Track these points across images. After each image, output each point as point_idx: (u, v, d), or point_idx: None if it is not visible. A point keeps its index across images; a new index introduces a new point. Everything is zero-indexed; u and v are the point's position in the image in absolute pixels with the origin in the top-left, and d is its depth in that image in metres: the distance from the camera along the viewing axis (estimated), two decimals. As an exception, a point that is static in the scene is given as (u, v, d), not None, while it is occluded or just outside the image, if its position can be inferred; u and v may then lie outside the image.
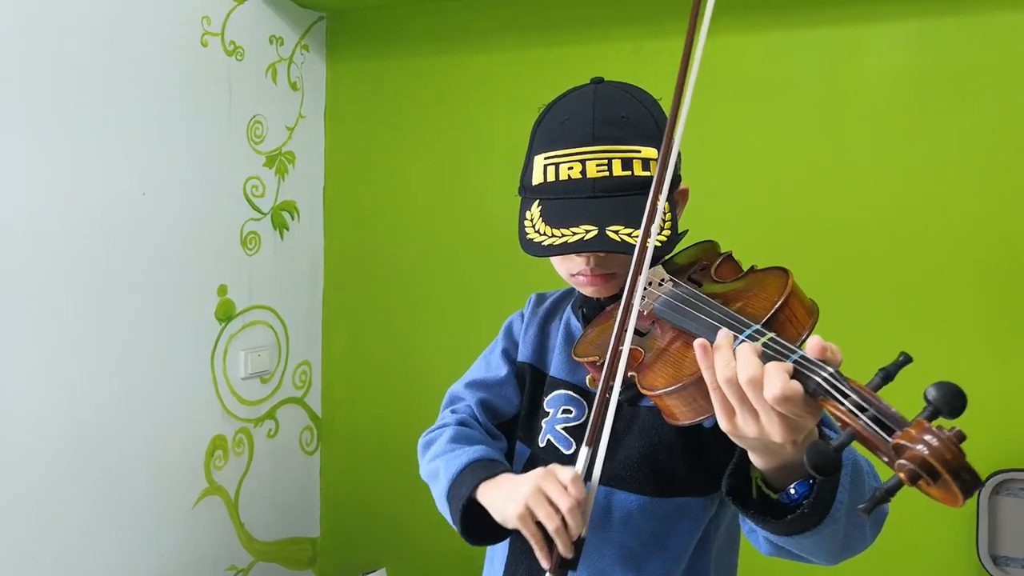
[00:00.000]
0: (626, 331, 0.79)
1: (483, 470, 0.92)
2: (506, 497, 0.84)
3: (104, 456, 1.81)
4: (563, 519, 0.77)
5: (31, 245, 1.64)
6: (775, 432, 0.64)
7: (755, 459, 0.72)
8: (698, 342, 0.69)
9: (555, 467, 0.81)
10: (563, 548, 0.77)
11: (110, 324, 1.80)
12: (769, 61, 1.83)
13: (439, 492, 0.97)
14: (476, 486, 0.89)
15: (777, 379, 0.61)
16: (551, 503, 0.78)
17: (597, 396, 0.81)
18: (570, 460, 0.96)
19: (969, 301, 1.68)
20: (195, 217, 2.00)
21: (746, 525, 0.84)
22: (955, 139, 1.68)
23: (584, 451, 0.80)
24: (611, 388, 0.79)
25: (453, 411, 1.08)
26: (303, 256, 2.37)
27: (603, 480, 0.94)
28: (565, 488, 0.78)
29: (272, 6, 2.19)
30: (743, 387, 0.64)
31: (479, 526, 0.90)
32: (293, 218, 2.32)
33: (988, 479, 1.63)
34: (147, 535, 1.92)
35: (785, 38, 1.82)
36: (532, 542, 0.80)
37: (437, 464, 0.99)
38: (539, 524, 0.79)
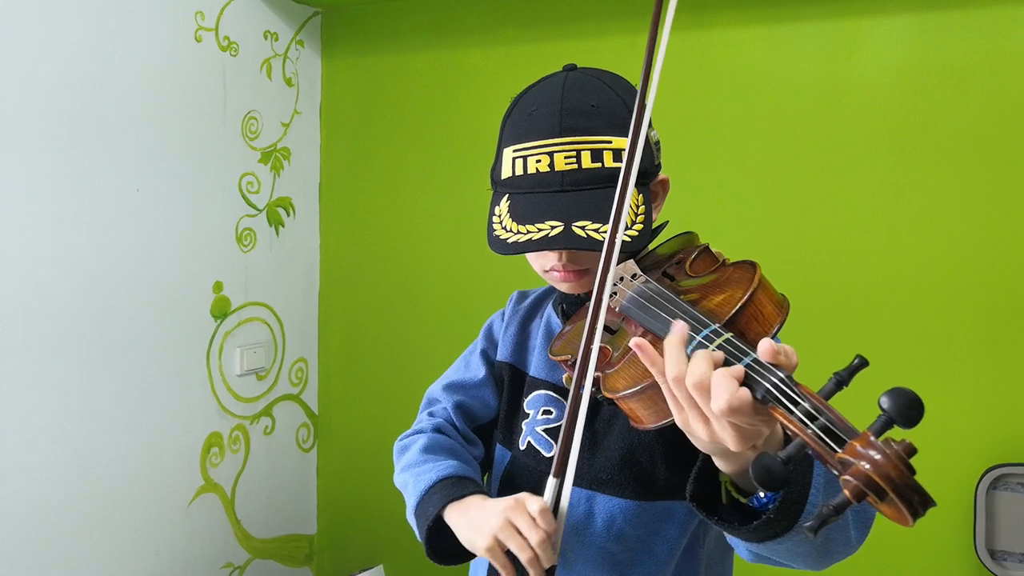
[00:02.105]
0: (592, 343, 0.77)
1: (452, 489, 0.90)
2: (473, 526, 0.83)
3: (99, 454, 1.80)
4: (535, 551, 0.77)
5: (24, 242, 1.63)
6: (728, 439, 0.61)
7: (719, 463, 0.70)
8: (633, 341, 0.66)
9: (524, 497, 0.80)
10: None
11: (104, 321, 1.79)
12: (767, 55, 1.82)
13: (409, 505, 0.96)
14: (443, 507, 0.89)
15: (724, 391, 0.58)
16: (521, 535, 0.78)
17: (565, 418, 0.79)
18: (550, 462, 0.94)
19: (966, 295, 1.68)
20: (189, 213, 1.99)
21: None
22: (953, 133, 1.68)
23: (552, 482, 0.79)
24: (578, 412, 0.78)
25: (431, 414, 1.06)
26: (299, 252, 2.36)
27: (584, 483, 0.92)
28: (535, 520, 0.77)
29: (267, 1, 2.18)
30: (690, 391, 0.61)
31: (445, 544, 0.89)
32: (289, 214, 2.31)
33: (985, 474, 1.63)
34: (143, 533, 1.91)
35: (783, 32, 1.81)
36: (502, 573, 0.80)
37: (407, 477, 0.98)
38: (509, 553, 0.79)
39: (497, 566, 0.80)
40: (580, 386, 0.77)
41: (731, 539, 0.79)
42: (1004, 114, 1.64)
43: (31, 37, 1.62)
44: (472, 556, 0.90)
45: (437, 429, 1.03)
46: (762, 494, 0.70)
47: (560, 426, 0.94)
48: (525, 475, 0.97)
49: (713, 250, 0.90)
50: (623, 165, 0.80)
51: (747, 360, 0.61)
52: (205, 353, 2.06)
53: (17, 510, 1.64)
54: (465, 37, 2.17)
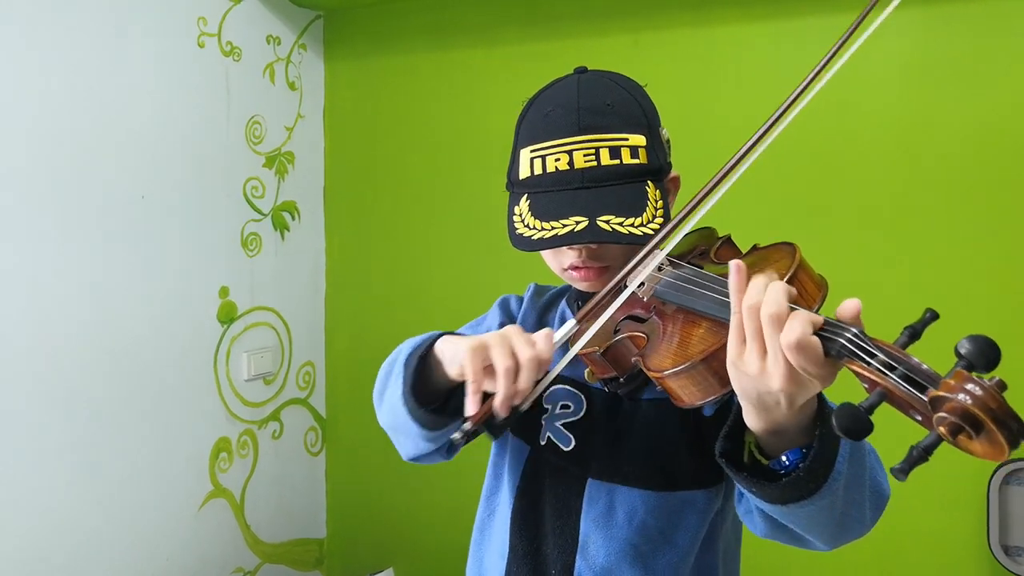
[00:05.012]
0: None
1: (448, 334, 0.88)
2: (465, 339, 0.79)
3: (108, 460, 1.80)
4: (518, 364, 0.73)
5: (30, 249, 1.64)
6: (776, 375, 0.62)
7: (748, 416, 0.70)
8: (733, 262, 0.67)
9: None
10: (502, 399, 0.72)
11: (111, 328, 1.80)
12: (770, 51, 1.82)
13: (397, 373, 0.87)
14: (437, 339, 0.85)
15: (799, 326, 0.60)
16: (510, 347, 0.74)
17: (611, 285, 0.78)
18: (569, 457, 0.95)
19: (975, 287, 1.67)
20: (195, 219, 1.99)
21: (742, 506, 0.82)
22: (959, 127, 1.67)
23: (570, 323, 0.78)
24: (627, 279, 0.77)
25: None
26: (304, 256, 2.36)
27: (606, 476, 0.93)
28: (534, 341, 0.75)
29: (269, 6, 2.18)
30: (763, 321, 0.62)
31: (427, 392, 0.85)
32: (294, 218, 2.31)
33: (998, 469, 1.61)
34: (153, 538, 1.92)
35: (785, 27, 1.80)
36: (470, 381, 0.74)
37: (395, 355, 0.93)
38: (487, 373, 0.74)
39: (468, 377, 0.74)
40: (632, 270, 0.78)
41: (748, 512, 0.80)
42: (1010, 107, 1.63)
43: (33, 44, 1.63)
44: (451, 401, 0.85)
45: None
46: (784, 459, 0.71)
47: (579, 420, 0.95)
48: (547, 470, 0.97)
49: (734, 241, 0.91)
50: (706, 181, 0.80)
51: (823, 319, 0.62)
52: (212, 358, 2.06)
53: (27, 517, 1.65)
54: (467, 37, 2.16)
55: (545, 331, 0.76)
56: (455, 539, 1.96)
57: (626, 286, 0.78)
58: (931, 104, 1.69)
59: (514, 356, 0.73)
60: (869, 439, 0.62)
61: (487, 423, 0.73)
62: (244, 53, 2.11)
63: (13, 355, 1.61)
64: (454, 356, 0.80)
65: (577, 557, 0.93)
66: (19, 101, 1.60)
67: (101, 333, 1.78)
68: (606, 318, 0.78)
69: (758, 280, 0.65)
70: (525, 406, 0.74)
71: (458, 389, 0.82)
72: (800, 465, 0.69)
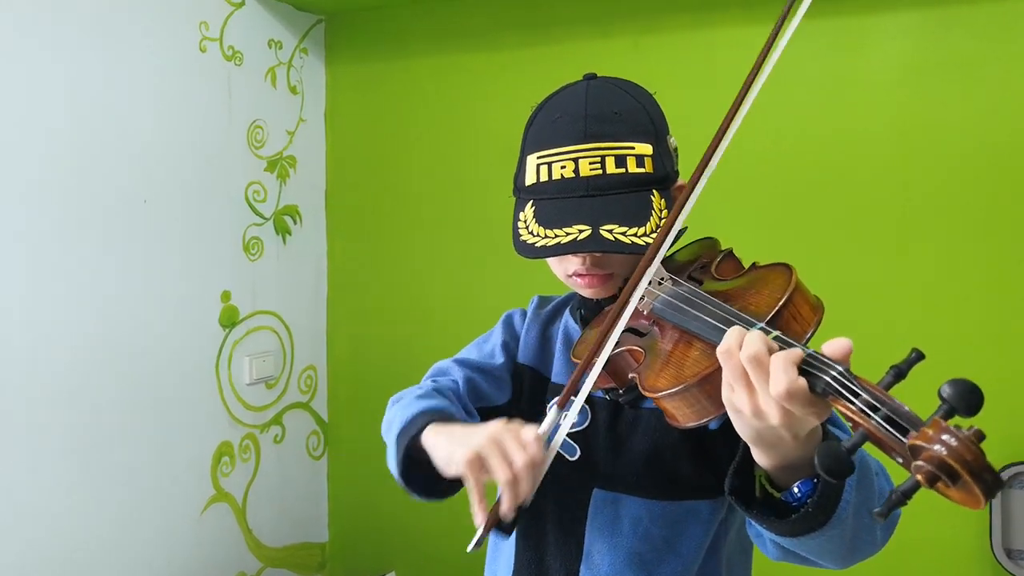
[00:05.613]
0: (622, 316, 0.78)
1: (437, 415, 0.88)
2: (456, 440, 0.79)
3: (110, 464, 1.80)
4: (515, 473, 0.73)
5: (33, 253, 1.64)
6: (773, 416, 0.62)
7: (757, 455, 0.71)
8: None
9: (516, 423, 0.77)
10: (508, 505, 0.73)
11: (113, 331, 1.80)
12: (771, 51, 1.82)
13: (391, 440, 0.92)
14: (425, 427, 0.86)
15: (783, 376, 0.60)
16: (505, 455, 0.74)
17: (583, 361, 0.78)
18: (575, 466, 0.95)
19: (976, 292, 1.66)
20: (197, 223, 1.99)
21: (752, 529, 0.82)
22: (958, 128, 1.67)
23: (553, 411, 0.78)
24: (602, 348, 0.77)
25: (434, 381, 1.04)
26: (306, 260, 2.36)
27: (610, 485, 0.93)
28: (524, 444, 0.74)
29: (270, 10, 2.19)
30: (744, 364, 0.62)
31: (420, 477, 0.86)
32: (295, 222, 2.31)
33: (1000, 472, 1.61)
34: (155, 543, 1.92)
35: (787, 28, 1.80)
36: (473, 492, 0.75)
37: (394, 413, 0.95)
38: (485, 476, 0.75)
39: (470, 486, 0.75)
40: (616, 319, 0.78)
41: (759, 536, 0.80)
42: (1009, 109, 1.63)
43: (34, 49, 1.63)
44: (447, 491, 0.87)
45: (436, 390, 1.01)
46: (796, 490, 0.71)
47: (584, 429, 0.95)
48: (550, 479, 0.97)
49: (736, 255, 0.91)
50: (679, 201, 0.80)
51: (804, 354, 0.62)
52: (214, 362, 2.06)
53: (29, 521, 1.65)
54: (468, 41, 2.17)
55: (532, 433, 0.75)
56: (457, 543, 1.95)
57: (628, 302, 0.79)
58: (930, 107, 1.69)
59: (511, 466, 0.73)
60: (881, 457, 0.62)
61: (497, 527, 0.75)
62: (246, 57, 2.12)
63: (15, 358, 1.62)
64: (448, 460, 0.79)
65: (581, 566, 0.93)
66: (20, 105, 1.61)
67: (103, 337, 1.78)
68: (608, 350, 0.79)
69: (734, 330, 0.66)
70: (528, 502, 0.75)
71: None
72: (809, 500, 0.69)
